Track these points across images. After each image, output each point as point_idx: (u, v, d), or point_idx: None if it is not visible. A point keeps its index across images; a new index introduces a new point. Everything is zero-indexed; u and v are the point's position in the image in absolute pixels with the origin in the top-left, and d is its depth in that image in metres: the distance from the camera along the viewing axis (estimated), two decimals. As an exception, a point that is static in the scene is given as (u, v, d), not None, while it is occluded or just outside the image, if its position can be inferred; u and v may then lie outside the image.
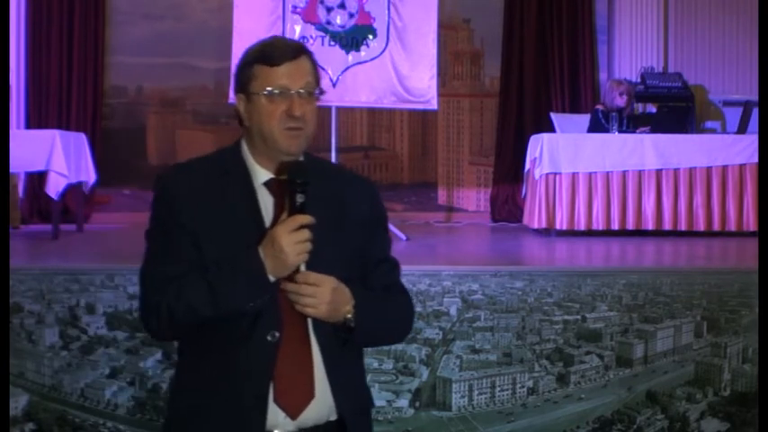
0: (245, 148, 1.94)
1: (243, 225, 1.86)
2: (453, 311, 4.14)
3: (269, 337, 1.83)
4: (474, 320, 4.15)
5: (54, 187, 6.21)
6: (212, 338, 1.85)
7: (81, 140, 6.75)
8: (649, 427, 4.14)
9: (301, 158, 1.92)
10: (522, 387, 4.13)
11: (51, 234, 6.29)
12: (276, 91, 1.86)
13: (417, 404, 4.07)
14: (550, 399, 4.14)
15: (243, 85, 1.91)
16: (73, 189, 6.70)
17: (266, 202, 1.90)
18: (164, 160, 8.42)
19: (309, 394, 1.86)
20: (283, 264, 1.79)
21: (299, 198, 1.81)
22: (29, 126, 7.86)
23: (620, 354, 4.20)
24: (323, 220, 1.83)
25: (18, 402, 3.93)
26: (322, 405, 1.87)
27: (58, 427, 3.97)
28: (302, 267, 1.84)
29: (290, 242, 1.78)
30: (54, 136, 6.20)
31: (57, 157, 6.12)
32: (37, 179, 7.27)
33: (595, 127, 6.96)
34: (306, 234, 1.80)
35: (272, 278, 1.80)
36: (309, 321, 1.86)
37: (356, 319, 1.86)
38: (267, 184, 1.91)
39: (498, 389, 4.11)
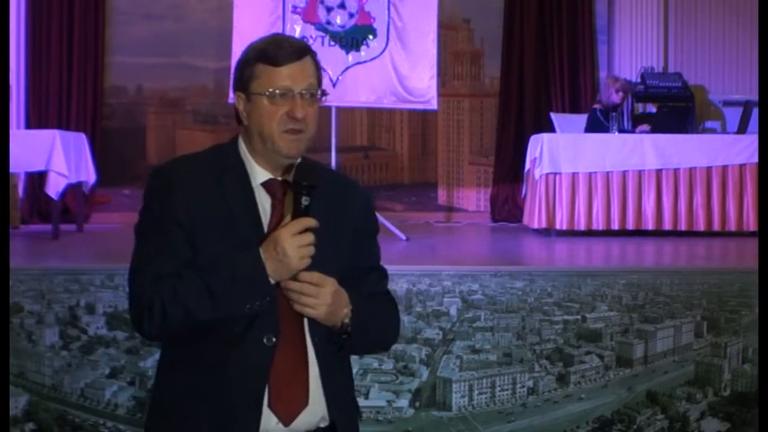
0: (242, 146, 1.89)
1: (240, 225, 1.82)
2: (453, 311, 4.14)
3: (265, 341, 1.79)
4: (474, 320, 4.15)
5: (54, 187, 6.21)
6: (205, 340, 1.80)
7: (81, 140, 6.75)
8: (649, 427, 4.14)
9: (298, 160, 1.88)
10: (522, 387, 4.13)
11: (51, 234, 6.28)
12: (278, 92, 1.81)
13: (417, 404, 4.07)
14: (550, 399, 4.14)
15: (243, 84, 1.85)
16: (73, 189, 6.70)
17: (264, 202, 1.85)
18: (163, 160, 8.35)
19: (304, 401, 1.82)
20: (286, 267, 1.75)
21: (305, 201, 1.77)
22: (29, 126, 7.86)
23: (620, 354, 4.20)
24: (321, 223, 1.79)
25: (18, 402, 3.93)
26: (314, 412, 1.84)
27: (57, 427, 3.97)
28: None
29: (294, 245, 1.74)
30: (54, 136, 6.20)
31: (57, 157, 6.12)
32: (37, 179, 7.27)
33: (593, 126, 6.96)
34: (310, 238, 1.76)
35: (272, 281, 1.77)
36: (306, 326, 1.83)
37: (353, 323, 1.83)
38: (265, 184, 1.86)
39: (498, 389, 4.11)
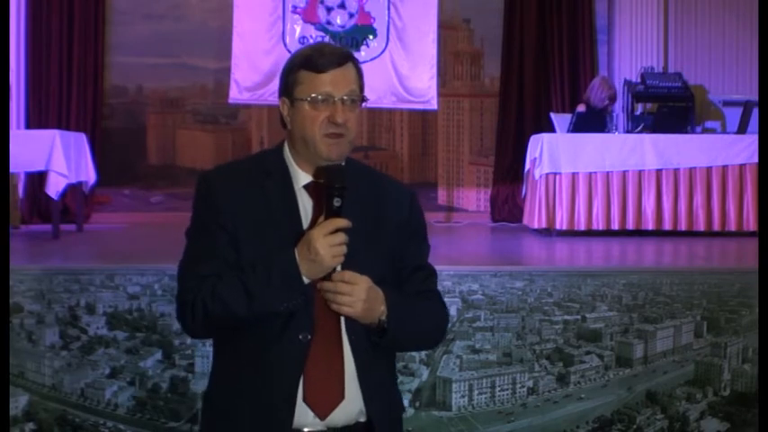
0: (287, 150, 1.97)
1: (282, 227, 1.89)
2: (453, 311, 4.14)
3: (301, 338, 1.86)
4: (474, 320, 4.15)
5: (54, 187, 6.21)
6: (245, 338, 1.88)
7: (81, 140, 6.76)
8: (649, 427, 4.14)
9: (342, 163, 1.94)
10: (522, 387, 4.13)
11: (51, 234, 6.29)
12: (320, 98, 1.87)
13: (417, 404, 4.07)
14: (550, 399, 4.14)
15: (287, 90, 1.93)
16: (73, 189, 6.71)
17: (306, 204, 1.92)
18: (164, 160, 8.43)
19: (339, 395, 1.88)
20: (319, 266, 1.82)
21: (336, 202, 1.83)
22: (29, 126, 7.87)
23: (620, 354, 4.20)
24: (359, 223, 1.85)
25: (18, 402, 3.93)
26: (352, 407, 1.89)
27: (58, 427, 3.97)
28: (337, 270, 1.85)
29: (326, 245, 1.80)
30: (54, 136, 6.20)
31: (57, 157, 6.13)
32: (37, 179, 7.27)
33: (579, 128, 6.93)
34: (342, 237, 1.82)
35: (306, 280, 1.83)
36: (342, 324, 1.88)
37: (389, 320, 1.88)
38: (307, 187, 1.93)
39: (498, 389, 4.11)
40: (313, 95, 1.87)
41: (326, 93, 1.87)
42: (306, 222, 1.90)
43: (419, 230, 2.06)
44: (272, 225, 1.89)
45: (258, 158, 2.02)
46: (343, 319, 1.88)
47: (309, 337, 1.86)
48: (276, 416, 1.86)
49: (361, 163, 2.07)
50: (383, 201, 1.99)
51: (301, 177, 1.93)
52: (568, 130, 7.03)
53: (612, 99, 7.11)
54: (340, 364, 1.88)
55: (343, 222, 1.82)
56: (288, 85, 1.92)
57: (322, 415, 1.87)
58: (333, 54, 1.90)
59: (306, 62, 1.89)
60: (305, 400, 1.86)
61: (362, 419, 1.91)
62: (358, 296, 1.83)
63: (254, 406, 1.88)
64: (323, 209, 1.87)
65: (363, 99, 1.93)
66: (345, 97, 1.89)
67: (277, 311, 1.84)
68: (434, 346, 2.26)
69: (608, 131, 6.94)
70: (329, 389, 1.88)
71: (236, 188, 1.91)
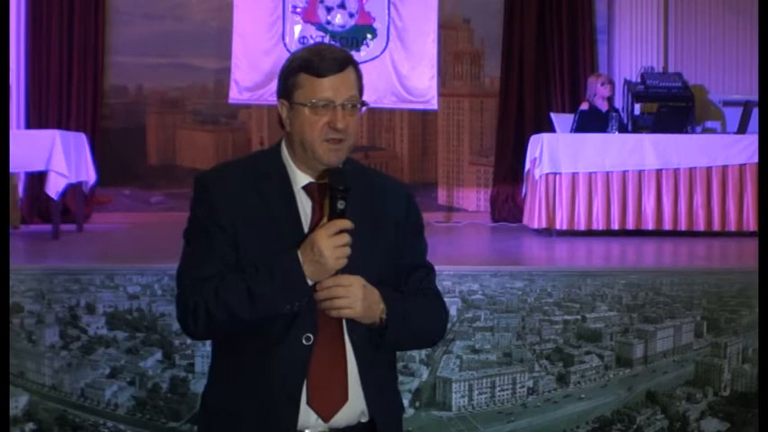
0: (284, 151, 1.95)
1: (281, 228, 1.88)
2: (453, 311, 4.14)
3: (304, 340, 1.85)
4: (474, 320, 4.15)
5: (54, 187, 6.21)
6: (248, 339, 1.87)
7: (81, 140, 6.76)
8: (649, 427, 4.14)
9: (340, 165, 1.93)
10: (522, 387, 4.13)
11: (51, 234, 6.29)
12: (321, 103, 1.86)
13: (417, 404, 4.07)
14: (550, 399, 4.15)
15: (286, 92, 1.91)
16: (73, 189, 6.71)
17: (305, 205, 1.91)
18: (163, 160, 8.43)
19: (343, 397, 1.88)
20: (323, 268, 1.81)
21: (340, 204, 1.83)
22: (29, 126, 7.86)
23: (620, 354, 4.20)
24: (358, 222, 1.84)
25: (18, 402, 3.93)
26: (354, 408, 1.89)
27: (58, 427, 3.97)
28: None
29: (330, 246, 1.80)
30: (54, 136, 6.20)
31: (57, 157, 6.12)
32: (37, 179, 7.27)
33: (582, 127, 6.94)
34: (346, 238, 1.81)
35: (310, 282, 1.82)
36: (344, 325, 1.88)
37: (389, 316, 1.87)
38: (306, 188, 1.92)
39: (498, 389, 4.11)
40: (313, 101, 1.86)
41: (327, 98, 1.86)
42: (305, 224, 1.89)
43: (417, 229, 2.06)
44: (272, 226, 1.88)
45: (254, 159, 2.01)
46: (344, 320, 1.87)
47: (312, 339, 1.85)
48: (280, 418, 1.85)
49: (359, 162, 2.06)
50: (381, 201, 1.98)
51: (300, 178, 1.92)
52: (572, 130, 7.02)
53: (611, 82, 7.17)
54: (343, 366, 1.88)
55: (346, 224, 1.82)
56: (287, 88, 1.91)
57: (326, 417, 1.86)
58: (334, 58, 1.88)
59: (306, 66, 1.87)
60: (308, 402, 1.85)
61: (364, 420, 1.91)
62: (356, 296, 1.82)
63: (258, 407, 1.87)
64: (324, 210, 1.87)
65: (363, 104, 1.92)
66: (346, 102, 1.87)
67: (280, 313, 1.83)
68: (434, 344, 2.25)
69: (611, 128, 6.92)
70: (333, 391, 1.87)
71: (233, 189, 1.90)
